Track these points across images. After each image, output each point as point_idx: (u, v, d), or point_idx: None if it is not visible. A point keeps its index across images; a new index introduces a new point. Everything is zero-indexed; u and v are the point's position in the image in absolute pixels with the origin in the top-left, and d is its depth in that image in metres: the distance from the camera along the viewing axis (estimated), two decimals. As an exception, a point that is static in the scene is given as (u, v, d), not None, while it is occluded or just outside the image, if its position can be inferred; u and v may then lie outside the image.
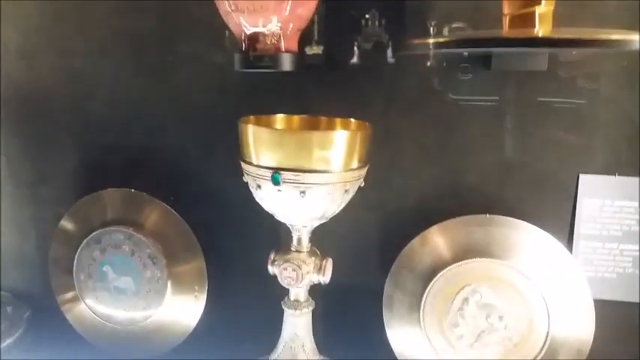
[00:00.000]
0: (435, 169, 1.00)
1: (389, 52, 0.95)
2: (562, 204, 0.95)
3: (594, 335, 0.91)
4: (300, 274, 0.87)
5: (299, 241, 0.89)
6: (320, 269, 0.88)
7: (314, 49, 0.95)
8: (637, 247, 0.93)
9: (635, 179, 0.92)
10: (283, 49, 0.80)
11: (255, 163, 0.80)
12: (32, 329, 1.14)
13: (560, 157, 0.94)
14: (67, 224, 1.10)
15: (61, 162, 1.14)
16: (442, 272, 0.92)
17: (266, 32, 0.80)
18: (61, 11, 1.07)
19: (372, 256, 1.05)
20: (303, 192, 0.79)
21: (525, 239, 0.92)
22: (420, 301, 0.93)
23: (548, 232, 0.92)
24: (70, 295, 1.10)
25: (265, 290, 0.94)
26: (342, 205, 0.85)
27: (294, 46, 0.83)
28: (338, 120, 0.91)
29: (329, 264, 0.89)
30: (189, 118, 1.07)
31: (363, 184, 0.86)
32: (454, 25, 0.89)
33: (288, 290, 0.91)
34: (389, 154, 1.00)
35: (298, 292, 0.90)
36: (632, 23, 0.87)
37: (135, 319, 1.05)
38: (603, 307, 0.93)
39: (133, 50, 1.06)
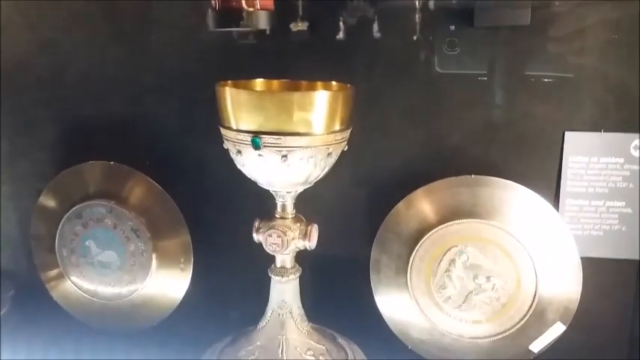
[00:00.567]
0: (419, 131, 0.99)
1: (375, 26, 0.93)
2: (548, 162, 0.94)
3: (581, 293, 0.91)
4: (286, 241, 0.85)
5: (283, 207, 0.87)
6: (305, 235, 0.87)
7: (299, 26, 0.93)
8: (623, 204, 0.93)
9: (621, 135, 0.91)
10: (259, 7, 0.77)
11: (234, 127, 0.78)
12: (17, 308, 1.13)
13: (545, 115, 0.93)
14: (47, 200, 1.08)
15: (38, 136, 1.12)
16: (428, 235, 0.91)
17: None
18: (31, -20, 1.03)
19: (358, 221, 1.04)
20: (284, 156, 0.77)
21: (511, 199, 0.92)
22: (407, 264, 0.93)
23: (534, 190, 0.91)
24: (54, 272, 1.09)
25: (252, 260, 0.93)
26: (326, 170, 0.84)
27: (270, 5, 0.80)
28: (319, 83, 0.89)
29: (314, 229, 0.88)
30: (168, 87, 1.04)
31: (346, 148, 0.85)
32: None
33: (274, 258, 0.90)
34: (373, 118, 0.98)
35: (284, 258, 0.89)
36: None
37: (121, 293, 1.04)
38: (590, 265, 0.93)
39: (107, 18, 1.03)
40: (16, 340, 1.05)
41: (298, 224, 0.87)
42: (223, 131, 0.80)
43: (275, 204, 0.87)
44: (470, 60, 0.94)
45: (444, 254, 0.92)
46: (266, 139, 0.75)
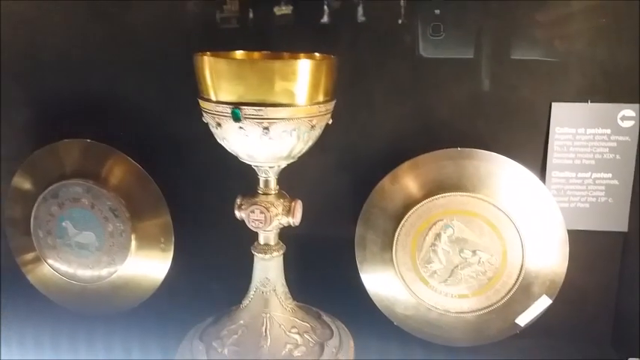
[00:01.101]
0: (405, 105, 0.97)
1: (359, 9, 0.92)
2: (534, 134, 0.93)
3: (568, 266, 0.91)
4: (269, 217, 0.83)
5: (266, 183, 0.85)
6: (289, 211, 0.85)
7: (282, 10, 0.92)
8: (610, 176, 0.92)
9: (609, 105, 0.90)
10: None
11: (213, 99, 0.75)
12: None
13: (532, 86, 0.92)
14: (21, 181, 1.04)
15: (12, 115, 1.07)
16: (414, 209, 0.90)
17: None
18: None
19: (343, 196, 1.02)
20: (266, 128, 0.74)
21: (497, 171, 0.91)
22: (393, 239, 0.91)
23: (520, 163, 0.90)
24: (30, 255, 1.06)
25: (235, 239, 0.91)
26: (310, 143, 0.81)
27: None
28: (301, 54, 0.86)
29: (298, 205, 0.86)
30: (145, 63, 1.00)
31: (331, 122, 0.83)
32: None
33: (257, 236, 0.87)
34: (357, 91, 0.96)
35: (268, 235, 0.87)
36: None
37: (100, 275, 1.01)
38: (577, 238, 0.92)
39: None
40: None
41: (282, 200, 0.85)
42: (202, 103, 0.78)
43: (257, 180, 0.85)
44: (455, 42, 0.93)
45: (430, 228, 0.91)
46: (247, 110, 0.73)
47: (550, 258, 0.91)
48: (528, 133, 0.94)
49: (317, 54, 0.85)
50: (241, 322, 0.88)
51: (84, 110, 1.04)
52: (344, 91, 0.82)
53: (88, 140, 1.00)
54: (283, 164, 0.84)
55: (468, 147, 0.91)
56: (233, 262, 0.94)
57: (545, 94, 0.92)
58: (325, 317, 0.96)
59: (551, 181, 0.94)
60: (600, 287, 0.97)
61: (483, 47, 0.92)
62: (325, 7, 0.93)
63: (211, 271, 1.07)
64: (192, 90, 0.79)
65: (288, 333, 0.87)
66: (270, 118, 0.74)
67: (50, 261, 1.03)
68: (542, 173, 0.94)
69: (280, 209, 0.84)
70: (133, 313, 1.03)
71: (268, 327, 0.86)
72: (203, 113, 0.79)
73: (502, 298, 0.90)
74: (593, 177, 0.93)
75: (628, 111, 0.90)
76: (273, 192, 0.85)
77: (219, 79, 0.73)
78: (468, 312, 0.92)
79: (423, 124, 0.97)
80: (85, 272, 1.02)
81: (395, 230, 0.91)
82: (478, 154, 0.91)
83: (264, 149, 0.78)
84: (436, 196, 0.89)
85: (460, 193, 0.89)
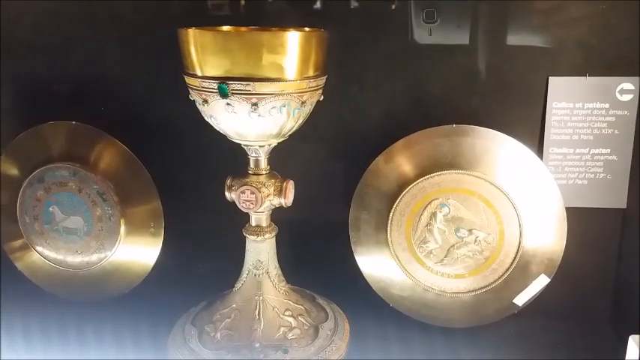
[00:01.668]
0: (398, 81, 0.95)
1: None
2: (531, 109, 0.91)
3: (566, 244, 0.89)
4: (260, 197, 0.81)
5: (256, 163, 0.83)
6: (281, 191, 0.83)
7: None
8: (608, 151, 0.90)
9: (607, 79, 0.88)
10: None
11: (199, 74, 0.72)
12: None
13: (528, 61, 0.90)
14: (5, 165, 1.01)
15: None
16: (408, 188, 0.88)
17: None
18: None
19: (335, 176, 1.01)
20: (255, 104, 0.72)
21: (493, 148, 0.89)
22: (387, 219, 0.90)
23: (517, 139, 0.88)
24: (17, 242, 1.04)
25: (226, 222, 0.89)
26: (300, 121, 0.79)
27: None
28: (291, 28, 0.84)
29: (290, 185, 0.84)
30: (130, 41, 0.98)
31: (322, 98, 0.81)
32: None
33: (249, 218, 0.85)
34: (349, 68, 0.94)
35: (259, 217, 0.85)
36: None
37: (90, 261, 0.99)
38: (575, 215, 0.91)
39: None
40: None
41: (273, 180, 0.83)
42: (188, 80, 0.75)
43: (248, 160, 0.83)
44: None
45: (425, 208, 0.89)
46: (234, 85, 0.70)
47: (548, 236, 0.89)
48: (525, 108, 0.92)
49: (307, 28, 0.83)
50: (234, 305, 0.87)
51: (70, 92, 1.02)
52: (335, 67, 0.80)
53: (74, 122, 0.97)
54: (274, 143, 0.82)
55: (463, 122, 0.89)
56: (225, 245, 0.92)
57: (542, 68, 0.90)
58: (320, 300, 0.94)
59: (548, 157, 0.92)
60: (599, 265, 0.96)
61: (480, 19, 0.90)
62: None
63: (203, 255, 1.06)
64: (181, 72, 0.77)
65: (281, 316, 0.85)
66: (258, 94, 0.71)
67: (38, 248, 1.01)
68: (539, 149, 0.92)
69: (272, 190, 0.83)
70: (123, 299, 1.01)
71: (261, 310, 0.85)
72: (189, 90, 0.76)
73: (499, 278, 0.89)
74: (591, 153, 0.91)
75: (627, 84, 0.88)
76: (264, 172, 0.83)
77: (205, 53, 0.71)
78: (464, 292, 0.90)
79: (417, 101, 0.95)
80: (74, 258, 1.00)
81: (389, 210, 0.90)
82: (474, 130, 0.89)
83: (254, 127, 0.76)
84: (431, 175, 0.88)
85: (456, 171, 0.87)
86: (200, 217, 1.04)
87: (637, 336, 0.70)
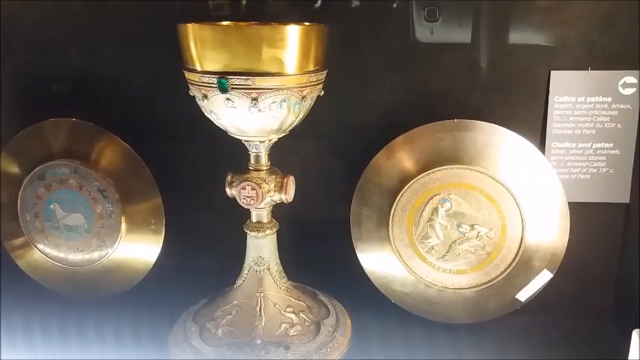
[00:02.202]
0: (399, 76, 0.94)
1: None
2: (533, 104, 0.91)
3: (568, 239, 0.89)
4: (260, 193, 0.81)
5: (257, 158, 0.83)
6: (282, 187, 0.82)
7: None
8: (611, 145, 0.90)
9: (609, 73, 0.88)
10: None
11: (199, 69, 0.72)
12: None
13: (529, 56, 0.89)
14: (6, 163, 1.01)
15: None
16: (409, 183, 0.88)
17: None
18: None
19: (337, 172, 1.00)
20: (255, 99, 0.72)
21: (495, 143, 0.88)
22: (389, 215, 0.89)
23: (519, 134, 0.88)
24: (18, 240, 1.04)
25: (227, 219, 0.89)
26: (301, 116, 0.79)
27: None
28: (291, 23, 0.83)
29: (291, 181, 0.83)
30: (130, 38, 0.97)
31: (322, 93, 0.80)
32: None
33: (250, 214, 0.85)
34: (350, 63, 0.94)
35: (260, 213, 0.85)
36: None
37: (92, 258, 0.99)
38: (577, 210, 0.90)
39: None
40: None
41: (274, 176, 0.83)
42: (187, 75, 0.75)
43: (248, 156, 0.83)
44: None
45: (427, 203, 0.88)
46: (233, 80, 0.70)
47: (550, 231, 0.89)
48: (527, 102, 0.91)
49: (307, 23, 0.83)
50: (235, 302, 0.86)
51: (71, 89, 1.02)
52: (336, 63, 0.80)
53: (75, 119, 0.97)
54: (274, 138, 0.81)
55: (464, 117, 0.89)
56: (226, 242, 0.92)
57: (544, 62, 0.89)
58: (321, 296, 0.94)
59: (550, 152, 0.91)
60: (602, 260, 0.95)
61: (481, 18, 0.89)
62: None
63: (204, 252, 1.06)
64: (181, 69, 0.76)
65: (283, 312, 0.85)
66: (258, 88, 0.71)
67: (39, 245, 1.01)
68: (541, 144, 0.92)
69: (272, 185, 0.82)
70: (124, 296, 1.01)
71: (263, 306, 0.85)
72: (189, 86, 0.76)
73: (502, 273, 0.88)
74: (593, 147, 0.91)
75: (629, 78, 0.87)
76: (264, 168, 0.83)
77: (204, 47, 0.71)
78: (467, 288, 0.90)
79: (418, 97, 0.94)
80: (75, 256, 1.00)
81: (391, 206, 0.89)
82: (475, 125, 0.88)
83: (254, 122, 0.76)
84: (433, 170, 0.87)
85: (457, 166, 0.87)
86: (201, 214, 1.04)
87: (643, 330, 0.70)
